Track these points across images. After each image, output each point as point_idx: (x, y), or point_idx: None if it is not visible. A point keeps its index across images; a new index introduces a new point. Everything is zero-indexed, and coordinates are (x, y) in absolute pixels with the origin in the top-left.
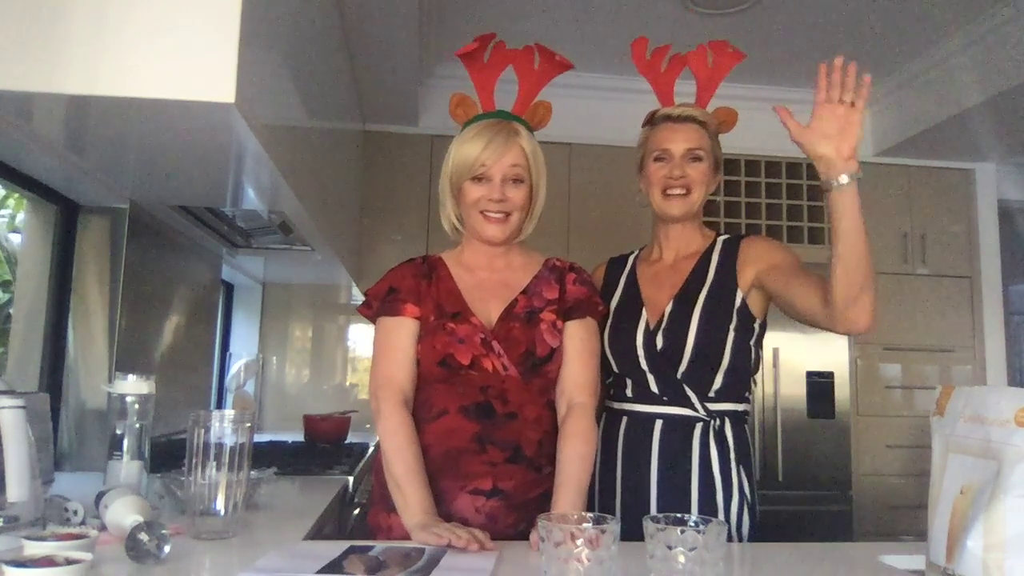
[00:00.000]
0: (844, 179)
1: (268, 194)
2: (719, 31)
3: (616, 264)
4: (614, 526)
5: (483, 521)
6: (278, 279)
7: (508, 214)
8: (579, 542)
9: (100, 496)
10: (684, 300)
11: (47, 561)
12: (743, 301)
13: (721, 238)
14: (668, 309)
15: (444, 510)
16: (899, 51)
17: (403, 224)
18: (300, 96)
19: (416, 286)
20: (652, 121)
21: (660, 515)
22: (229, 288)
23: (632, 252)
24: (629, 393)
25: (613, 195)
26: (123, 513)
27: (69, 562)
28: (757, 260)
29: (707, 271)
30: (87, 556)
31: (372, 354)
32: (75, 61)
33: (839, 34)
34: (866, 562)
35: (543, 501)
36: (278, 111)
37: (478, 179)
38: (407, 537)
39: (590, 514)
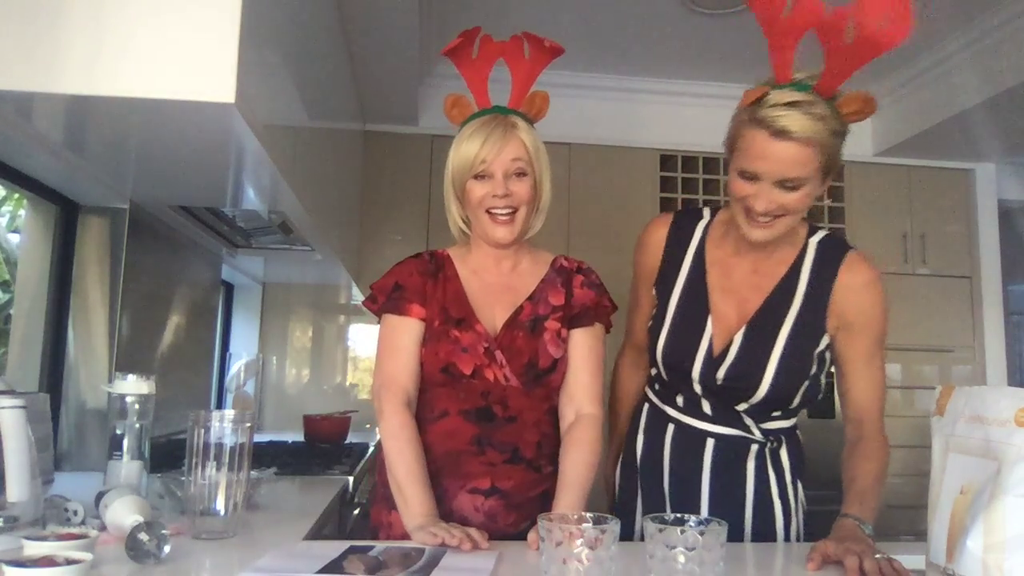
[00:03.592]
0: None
1: (268, 194)
2: (719, 31)
3: (683, 229)
4: (614, 526)
5: (482, 520)
6: (278, 279)
7: (514, 211)
8: (579, 542)
9: (100, 496)
10: (760, 333)
11: (47, 561)
12: (827, 345)
13: (815, 242)
14: (739, 338)
15: (445, 508)
16: (899, 51)
17: (403, 224)
18: (300, 96)
19: (422, 285)
20: (752, 108)
21: (660, 515)
22: (229, 288)
23: (702, 216)
24: (679, 403)
25: (613, 195)
26: (123, 513)
27: (69, 562)
28: (844, 313)
29: (793, 295)
30: (87, 556)
31: (376, 351)
32: (75, 61)
33: None
34: None
35: (543, 500)
36: (278, 111)
37: (480, 177)
38: (408, 535)
39: (590, 514)
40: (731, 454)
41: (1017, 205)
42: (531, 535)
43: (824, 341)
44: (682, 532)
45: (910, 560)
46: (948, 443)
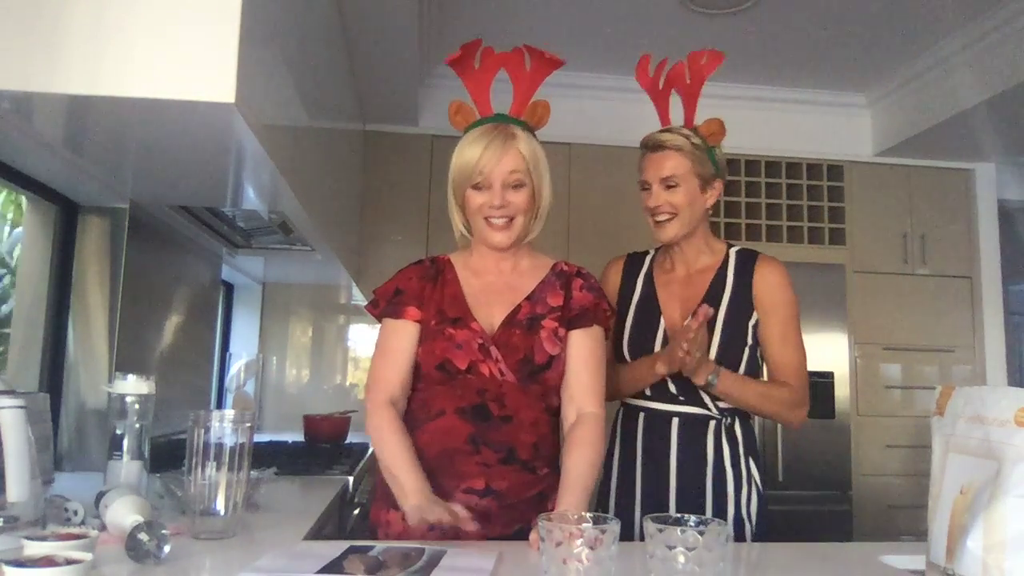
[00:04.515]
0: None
1: (268, 194)
2: (718, 31)
3: (635, 261)
4: (614, 526)
5: (477, 520)
6: (278, 279)
7: (512, 219)
8: (579, 542)
9: (100, 496)
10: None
11: (47, 561)
12: (757, 321)
13: (734, 251)
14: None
15: None
16: (899, 51)
17: (403, 224)
18: (300, 96)
19: (420, 289)
20: (643, 141)
21: (660, 515)
22: (229, 288)
23: (648, 252)
24: (648, 391)
25: (612, 195)
26: (123, 513)
27: (69, 562)
28: (761, 298)
29: (723, 289)
30: (87, 556)
31: (372, 353)
32: (75, 61)
33: (838, 34)
34: (866, 562)
35: (538, 501)
36: (278, 111)
37: (478, 187)
38: (405, 533)
39: (590, 514)
40: (693, 430)
41: (1017, 205)
42: (533, 535)
43: (754, 318)
44: (682, 532)
45: (910, 560)
46: (948, 443)
